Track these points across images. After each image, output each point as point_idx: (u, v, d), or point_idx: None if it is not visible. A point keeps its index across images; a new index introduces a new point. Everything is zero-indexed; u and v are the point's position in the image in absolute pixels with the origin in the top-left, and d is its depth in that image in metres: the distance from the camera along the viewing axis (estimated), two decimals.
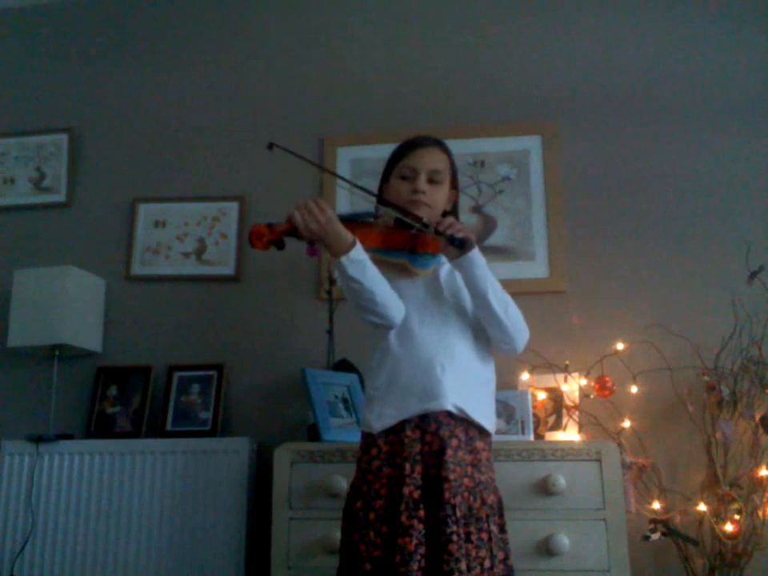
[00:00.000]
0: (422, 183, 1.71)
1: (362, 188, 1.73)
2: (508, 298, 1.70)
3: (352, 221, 1.64)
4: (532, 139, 2.69)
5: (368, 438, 1.65)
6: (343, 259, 1.56)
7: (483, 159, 2.69)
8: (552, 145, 2.66)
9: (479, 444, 1.63)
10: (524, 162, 2.68)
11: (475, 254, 1.63)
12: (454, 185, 1.81)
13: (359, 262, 1.57)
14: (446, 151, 1.79)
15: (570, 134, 2.67)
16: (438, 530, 1.50)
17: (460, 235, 1.58)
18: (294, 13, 2.96)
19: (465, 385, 1.63)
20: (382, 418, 1.62)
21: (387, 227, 1.67)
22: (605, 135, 2.66)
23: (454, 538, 1.49)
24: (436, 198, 1.73)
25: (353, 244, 1.57)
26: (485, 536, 1.54)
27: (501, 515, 1.63)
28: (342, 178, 1.75)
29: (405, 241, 1.66)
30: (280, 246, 1.60)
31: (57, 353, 2.57)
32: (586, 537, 1.94)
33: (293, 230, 1.57)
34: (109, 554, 2.35)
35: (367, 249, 1.66)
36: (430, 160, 1.74)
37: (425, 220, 1.62)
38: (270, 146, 1.67)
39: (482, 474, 1.61)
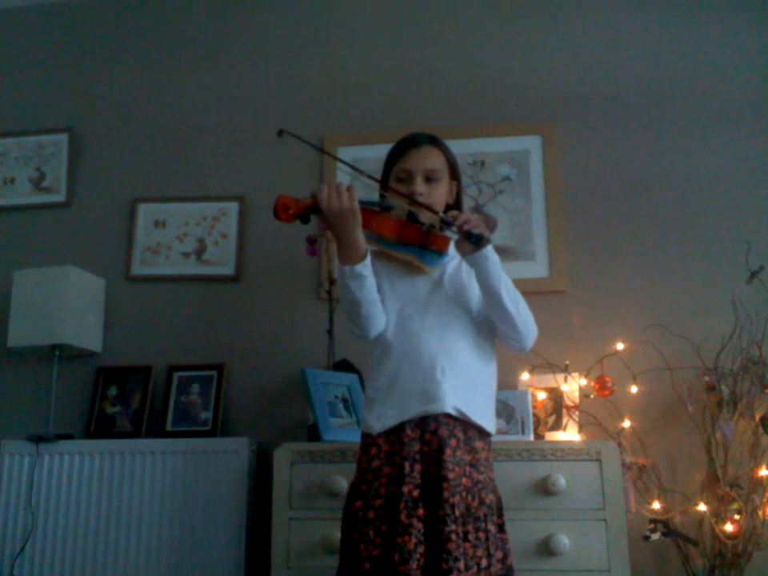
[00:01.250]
0: (418, 185, 1.71)
1: (370, 177, 1.71)
2: (519, 295, 1.69)
3: (370, 207, 1.63)
4: (532, 139, 2.69)
5: (367, 438, 1.65)
6: (347, 269, 1.57)
7: (483, 159, 2.69)
8: (552, 145, 2.66)
9: (478, 444, 1.63)
10: (524, 162, 2.68)
11: (489, 250, 1.62)
12: (455, 176, 1.80)
13: (361, 278, 1.58)
14: (440, 147, 1.78)
15: (570, 134, 2.67)
16: (436, 528, 1.50)
17: (477, 231, 1.58)
18: (294, 13, 2.96)
19: (465, 387, 1.62)
20: (381, 419, 1.62)
21: (401, 220, 1.66)
22: (605, 135, 2.66)
23: (453, 536, 1.49)
24: (435, 197, 1.73)
25: (362, 257, 1.57)
26: (482, 535, 1.54)
27: (500, 515, 1.63)
28: (356, 169, 1.72)
29: (416, 236, 1.65)
30: (305, 219, 1.57)
31: (57, 353, 2.57)
32: (586, 537, 1.94)
33: (316, 206, 1.54)
34: (109, 554, 2.35)
35: (379, 240, 1.67)
36: (424, 160, 1.73)
37: (441, 215, 1.62)
38: (280, 133, 1.65)
39: (481, 473, 1.61)
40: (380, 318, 1.66)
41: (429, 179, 1.73)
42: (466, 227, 1.58)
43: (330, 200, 1.52)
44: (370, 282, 1.61)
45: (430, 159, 1.74)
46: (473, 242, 1.59)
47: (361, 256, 1.58)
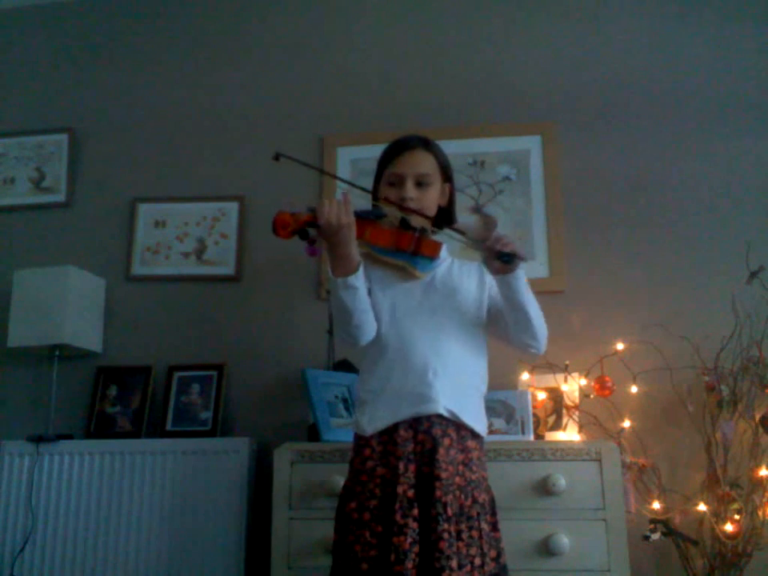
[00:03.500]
0: (409, 190, 1.70)
1: (363, 189, 1.72)
2: (537, 303, 1.70)
3: (364, 217, 1.63)
4: (532, 139, 2.69)
5: (360, 440, 1.65)
6: (340, 280, 1.56)
7: (483, 159, 2.69)
8: (552, 145, 2.66)
9: (471, 443, 1.63)
10: (524, 162, 2.68)
11: (520, 269, 1.62)
12: (448, 178, 1.80)
13: (353, 289, 1.57)
14: (432, 150, 1.76)
15: (569, 134, 2.67)
16: (429, 528, 1.51)
17: (508, 250, 1.57)
18: (293, 13, 2.96)
19: (457, 389, 1.63)
20: (374, 421, 1.62)
21: (393, 227, 1.67)
22: (604, 135, 2.66)
23: (445, 536, 1.49)
24: (426, 201, 1.73)
25: (355, 269, 1.56)
26: (476, 534, 1.54)
27: (493, 513, 1.63)
28: (355, 185, 1.72)
29: (409, 242, 1.66)
30: (303, 235, 1.57)
31: (57, 353, 2.57)
32: (586, 537, 1.94)
33: (314, 221, 1.54)
34: (109, 554, 2.35)
35: (372, 246, 1.67)
36: (414, 164, 1.72)
37: (470, 237, 1.60)
38: (277, 157, 1.65)
39: (474, 473, 1.61)
40: (371, 325, 1.65)
41: (420, 183, 1.72)
42: (497, 247, 1.57)
43: (330, 216, 1.51)
44: (362, 292, 1.60)
45: (420, 163, 1.73)
46: (505, 261, 1.58)
47: (354, 267, 1.57)
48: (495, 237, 1.59)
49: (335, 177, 1.73)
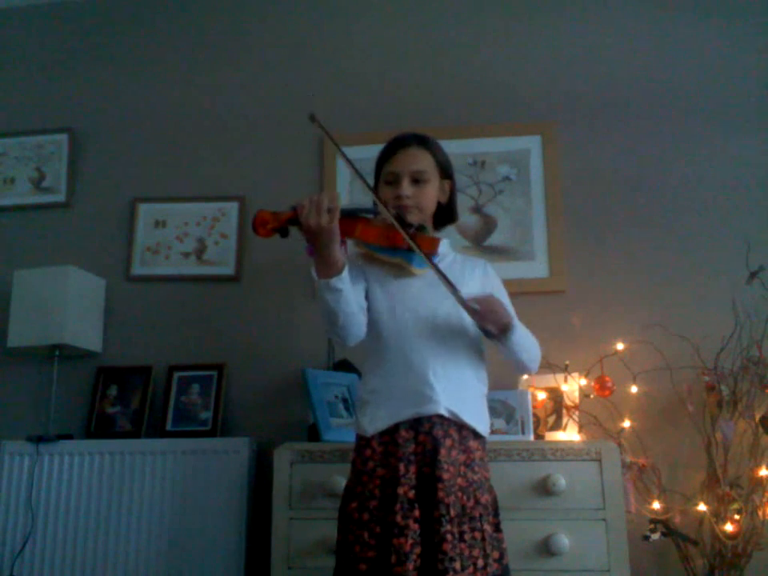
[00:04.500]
0: (404, 188, 1.70)
1: (367, 185, 1.70)
2: (533, 341, 1.73)
3: (353, 215, 1.62)
4: (532, 139, 2.69)
5: (362, 440, 1.65)
6: (323, 282, 1.54)
7: (483, 159, 2.69)
8: (552, 145, 2.66)
9: (472, 444, 1.63)
10: (524, 162, 2.68)
11: (512, 335, 1.63)
12: (447, 175, 1.79)
13: (337, 291, 1.54)
14: (428, 147, 1.75)
15: (569, 134, 2.67)
16: (432, 529, 1.50)
17: (489, 327, 1.59)
18: (293, 13, 2.96)
19: (458, 389, 1.63)
20: (374, 422, 1.62)
21: (386, 224, 1.65)
22: (605, 135, 2.66)
23: (448, 537, 1.48)
24: (423, 198, 1.72)
25: (338, 271, 1.53)
26: (478, 535, 1.54)
27: (495, 515, 1.63)
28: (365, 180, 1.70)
29: (404, 239, 1.64)
30: (284, 233, 1.55)
31: (57, 353, 2.57)
32: (586, 537, 1.94)
33: (296, 219, 1.51)
34: (109, 554, 2.35)
35: (366, 244, 1.66)
36: (409, 162, 1.72)
37: (460, 294, 1.58)
38: (312, 118, 1.64)
39: (476, 473, 1.61)
40: (358, 327, 1.63)
41: (416, 181, 1.71)
42: (476, 318, 1.59)
43: (309, 216, 1.47)
44: (347, 294, 1.56)
45: (416, 161, 1.72)
46: (488, 337, 1.63)
47: (338, 269, 1.53)
48: (483, 311, 1.59)
49: (354, 167, 1.68)
